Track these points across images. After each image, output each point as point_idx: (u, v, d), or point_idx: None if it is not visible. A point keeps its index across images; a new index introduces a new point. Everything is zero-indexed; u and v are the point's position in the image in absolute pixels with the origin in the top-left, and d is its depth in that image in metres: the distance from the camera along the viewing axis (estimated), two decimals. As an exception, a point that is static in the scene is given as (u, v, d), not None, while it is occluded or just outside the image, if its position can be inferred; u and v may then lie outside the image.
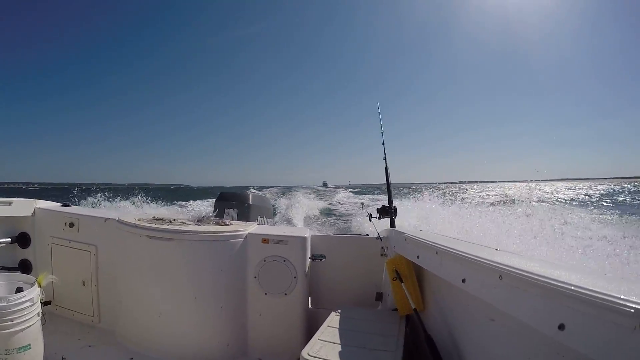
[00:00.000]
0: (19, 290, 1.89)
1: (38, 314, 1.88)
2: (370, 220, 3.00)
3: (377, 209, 3.03)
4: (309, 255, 2.52)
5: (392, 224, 2.89)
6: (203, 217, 2.70)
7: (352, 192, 47.52)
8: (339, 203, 28.53)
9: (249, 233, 2.44)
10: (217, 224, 2.60)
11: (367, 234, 2.92)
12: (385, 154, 3.73)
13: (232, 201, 3.92)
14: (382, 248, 2.63)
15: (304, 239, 2.45)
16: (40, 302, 1.92)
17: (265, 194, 4.80)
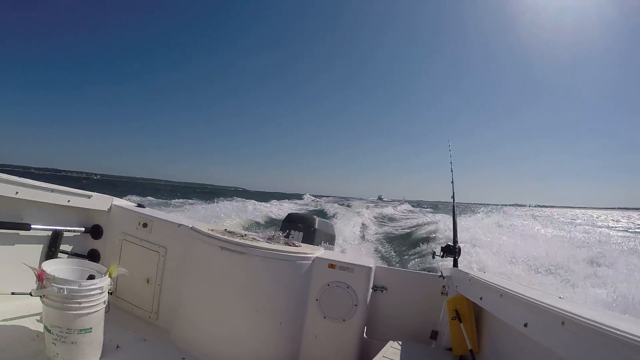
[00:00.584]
0: (90, 277, 2.04)
1: (104, 302, 2.01)
2: (433, 258, 3.06)
3: (442, 247, 3.04)
4: (371, 285, 2.52)
5: (455, 264, 2.87)
6: (273, 235, 2.80)
7: (411, 205, 48.53)
8: (398, 213, 29.39)
9: (317, 257, 2.50)
10: (287, 244, 2.68)
11: (430, 272, 2.92)
12: (453, 192, 3.62)
13: (299, 224, 4.01)
14: (444, 287, 2.59)
15: (369, 268, 2.48)
16: (108, 292, 2.07)
17: (329, 221, 4.82)
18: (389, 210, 31.96)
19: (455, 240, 3.03)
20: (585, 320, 0.97)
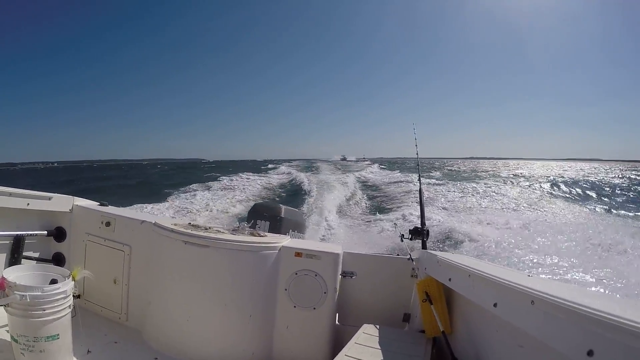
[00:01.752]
0: (53, 281, 1.95)
1: (70, 306, 1.93)
2: (402, 241, 3.09)
3: (410, 230, 3.08)
4: (339, 271, 2.53)
5: (424, 246, 2.93)
6: (238, 226, 2.77)
7: (382, 167, 44.40)
8: (374, 177, 27.76)
9: (283, 246, 2.48)
10: (252, 234, 2.66)
11: (398, 254, 2.96)
12: (420, 176, 3.76)
13: (264, 213, 3.99)
14: (413, 269, 2.64)
15: (336, 255, 2.47)
16: (73, 295, 1.98)
17: (297, 209, 4.84)
18: (365, 175, 30.22)
19: (423, 222, 3.09)
20: (555, 299, 0.97)
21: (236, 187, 21.13)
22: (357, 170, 35.09)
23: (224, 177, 25.88)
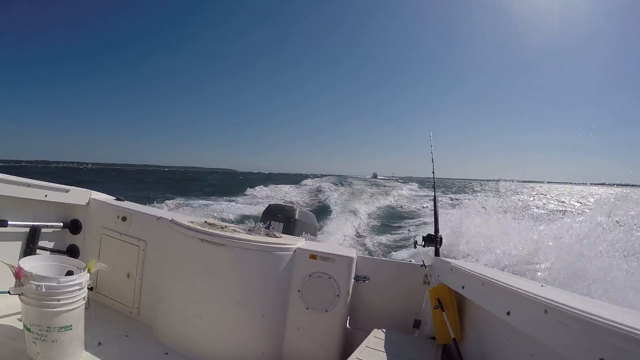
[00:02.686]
0: (69, 273, 1.99)
1: (84, 298, 1.96)
2: (415, 247, 3.10)
3: (423, 236, 3.06)
4: (353, 275, 2.53)
5: (437, 253, 2.90)
6: (254, 227, 2.78)
7: (418, 187, 39.80)
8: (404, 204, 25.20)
9: (298, 247, 2.49)
10: (267, 235, 2.67)
11: (411, 260, 2.95)
12: (434, 184, 3.71)
13: (279, 214, 4.00)
14: (426, 276, 2.63)
15: (350, 259, 2.48)
16: (87, 288, 2.01)
17: (310, 212, 4.83)
18: (402, 192, 30.12)
19: (436, 230, 3.07)
20: (568, 308, 0.98)
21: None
22: (393, 188, 33.93)
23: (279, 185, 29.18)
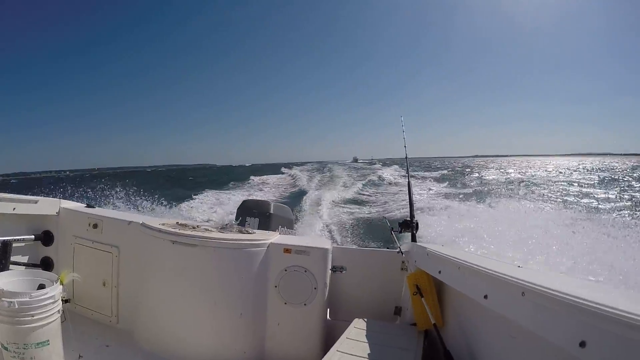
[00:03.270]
0: (41, 286, 1.92)
1: (58, 311, 1.91)
2: (391, 234, 3.03)
3: (399, 222, 3.04)
4: (329, 266, 2.52)
5: (414, 239, 2.90)
6: (226, 224, 2.74)
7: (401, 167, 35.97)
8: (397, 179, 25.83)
9: (271, 242, 2.46)
10: (240, 232, 2.63)
11: (388, 247, 2.93)
12: (407, 169, 3.75)
13: (254, 210, 3.96)
14: (403, 262, 2.63)
15: (325, 250, 2.46)
16: (62, 300, 1.95)
17: (285, 205, 4.82)
18: (386, 175, 29.41)
19: (412, 215, 3.05)
20: (546, 290, 0.96)
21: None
22: (373, 172, 33.47)
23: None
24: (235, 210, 4.05)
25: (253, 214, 3.89)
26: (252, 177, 29.69)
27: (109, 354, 2.31)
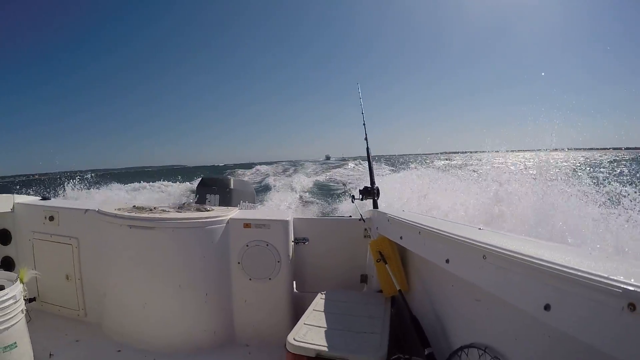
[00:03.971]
0: (0, 288, 1.84)
1: (22, 311, 1.85)
2: (352, 202, 2.99)
3: (360, 190, 3.00)
4: (292, 238, 2.51)
5: (375, 205, 2.88)
6: (184, 203, 2.68)
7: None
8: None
9: (230, 218, 2.42)
10: (198, 210, 2.58)
11: (350, 216, 2.91)
12: (366, 134, 3.74)
13: (213, 187, 3.87)
14: (366, 229, 2.63)
15: (286, 222, 2.44)
16: (24, 299, 1.89)
17: (246, 180, 4.75)
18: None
19: (372, 181, 3.01)
20: (508, 253, 0.95)
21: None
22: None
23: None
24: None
25: (212, 190, 3.79)
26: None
27: (80, 349, 2.28)
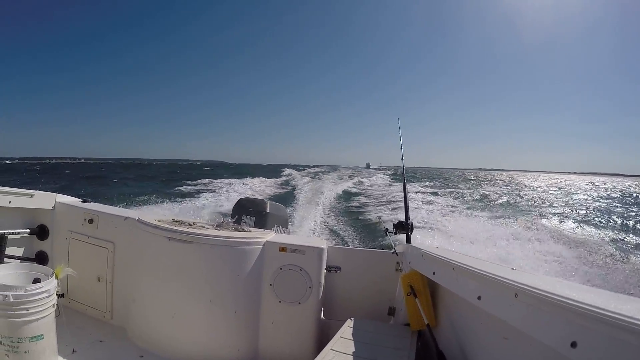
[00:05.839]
0: (36, 280, 1.92)
1: (53, 305, 1.90)
2: (386, 235, 3.08)
3: (394, 224, 3.07)
4: (324, 266, 2.53)
5: (408, 240, 2.92)
6: (222, 222, 2.74)
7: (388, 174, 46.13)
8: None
9: (267, 241, 2.46)
10: (236, 229, 2.63)
11: (383, 249, 2.98)
12: (404, 170, 3.79)
13: (250, 208, 3.96)
14: (398, 263, 2.65)
15: (321, 249, 2.47)
16: (56, 294, 1.95)
17: (281, 204, 4.84)
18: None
19: (407, 216, 3.07)
20: (538, 291, 0.98)
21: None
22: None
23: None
24: (231, 209, 4.05)
25: (249, 212, 3.89)
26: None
27: (103, 350, 2.31)
